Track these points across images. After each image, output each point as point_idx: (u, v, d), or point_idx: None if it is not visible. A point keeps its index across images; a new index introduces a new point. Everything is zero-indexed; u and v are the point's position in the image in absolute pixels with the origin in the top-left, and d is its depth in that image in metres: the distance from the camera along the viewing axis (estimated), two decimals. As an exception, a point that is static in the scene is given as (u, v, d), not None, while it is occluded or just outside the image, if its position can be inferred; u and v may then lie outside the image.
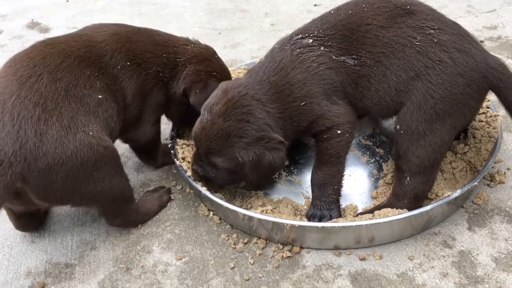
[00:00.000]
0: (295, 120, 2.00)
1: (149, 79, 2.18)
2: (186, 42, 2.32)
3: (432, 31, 1.88)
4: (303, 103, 1.97)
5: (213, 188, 2.11)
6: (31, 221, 2.16)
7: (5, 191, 1.69)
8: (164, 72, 2.22)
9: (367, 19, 1.95)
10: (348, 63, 1.95)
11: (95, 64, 2.02)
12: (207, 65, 2.27)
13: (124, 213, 2.11)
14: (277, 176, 2.30)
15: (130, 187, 2.11)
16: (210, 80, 2.22)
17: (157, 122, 2.37)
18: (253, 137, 1.91)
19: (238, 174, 2.01)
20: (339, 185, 2.06)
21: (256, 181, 2.10)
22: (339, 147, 1.99)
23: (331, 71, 1.96)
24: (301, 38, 2.01)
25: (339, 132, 1.97)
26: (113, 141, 2.11)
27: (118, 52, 2.10)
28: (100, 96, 1.97)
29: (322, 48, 1.97)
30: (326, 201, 2.03)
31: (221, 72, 2.33)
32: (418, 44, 1.87)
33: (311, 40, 1.99)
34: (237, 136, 1.90)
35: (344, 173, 2.07)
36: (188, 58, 2.25)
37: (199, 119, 2.00)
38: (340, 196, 2.07)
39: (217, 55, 2.39)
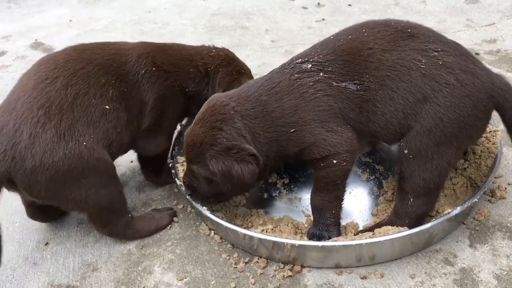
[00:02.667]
0: (283, 144, 1.98)
1: (175, 86, 2.26)
2: (207, 49, 2.44)
3: (436, 53, 1.87)
4: (292, 130, 1.95)
5: (202, 202, 2.11)
6: (40, 212, 2.24)
7: None
8: (190, 86, 2.31)
9: (368, 43, 1.93)
10: (350, 88, 1.92)
11: (115, 71, 2.10)
12: (235, 65, 2.43)
13: (112, 224, 2.13)
14: (277, 194, 2.31)
15: (122, 201, 2.13)
16: (241, 77, 2.37)
17: (171, 136, 2.44)
18: (224, 145, 1.89)
19: (217, 185, 2.00)
20: (338, 209, 2.04)
21: (232, 193, 2.09)
22: (335, 176, 1.96)
23: (329, 98, 1.93)
24: (301, 62, 1.99)
25: (334, 161, 1.94)
26: (118, 153, 2.16)
27: (145, 57, 2.20)
28: (107, 107, 2.02)
29: (321, 73, 1.94)
30: (325, 223, 2.03)
31: (246, 69, 2.48)
32: (423, 67, 1.85)
33: (310, 65, 1.97)
34: (208, 143, 1.90)
35: (344, 197, 2.05)
36: (217, 64, 2.37)
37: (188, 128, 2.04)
38: (339, 218, 2.06)
39: (236, 56, 2.53)
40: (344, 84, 1.92)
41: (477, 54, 3.52)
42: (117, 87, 2.08)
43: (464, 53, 1.92)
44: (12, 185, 1.92)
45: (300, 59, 2.01)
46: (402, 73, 1.87)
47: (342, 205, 2.06)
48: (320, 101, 1.93)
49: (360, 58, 1.92)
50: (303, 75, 1.96)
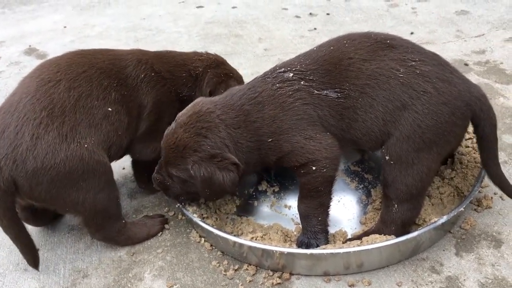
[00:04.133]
0: (263, 153, 2.03)
1: (172, 92, 2.31)
2: (198, 55, 2.50)
3: (413, 63, 1.93)
4: (270, 140, 2.00)
5: (171, 197, 2.18)
6: (33, 216, 2.26)
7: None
8: (184, 90, 2.36)
9: (349, 54, 2.00)
10: (331, 96, 1.97)
11: (116, 75, 2.15)
12: (224, 68, 2.48)
13: (105, 229, 2.14)
14: (267, 202, 2.34)
15: (117, 206, 2.15)
16: (230, 80, 2.41)
17: None
18: (207, 153, 1.94)
19: (192, 187, 2.04)
20: (324, 216, 2.07)
21: (209, 197, 2.14)
22: (316, 182, 1.99)
23: (308, 106, 1.98)
24: (283, 72, 2.04)
25: (314, 168, 1.97)
26: (116, 156, 2.20)
27: (144, 63, 2.25)
28: (110, 109, 2.06)
29: (302, 82, 2.00)
30: (312, 231, 2.06)
31: (235, 73, 2.53)
32: (402, 76, 1.91)
33: (291, 74, 2.02)
34: (192, 149, 1.94)
35: (329, 204, 2.07)
36: (206, 66, 2.42)
37: (168, 128, 2.06)
38: (326, 225, 2.09)
39: (226, 61, 2.58)
40: (325, 92, 1.98)
41: (466, 64, 3.57)
42: (119, 90, 2.13)
43: (442, 63, 2.00)
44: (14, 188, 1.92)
45: (283, 68, 2.06)
46: (381, 81, 1.93)
47: (329, 212, 2.09)
48: (299, 110, 1.98)
49: (341, 67, 1.98)
50: (284, 84, 2.01)
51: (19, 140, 1.86)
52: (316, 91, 1.98)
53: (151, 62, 2.28)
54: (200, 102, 2.06)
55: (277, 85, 2.01)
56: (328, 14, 4.90)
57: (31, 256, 2.06)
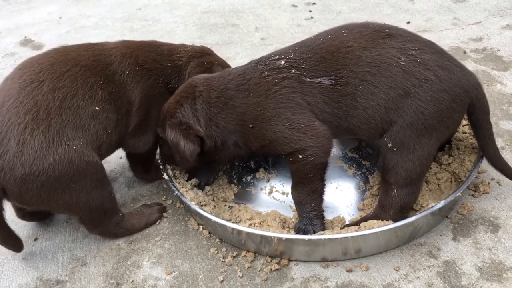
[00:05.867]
0: (245, 137, 2.05)
1: (159, 84, 2.28)
2: (183, 46, 2.47)
3: (413, 51, 1.94)
4: (251, 126, 2.01)
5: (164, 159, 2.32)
6: (30, 213, 2.26)
7: None
8: (171, 81, 2.33)
9: (348, 42, 1.99)
10: (325, 83, 1.96)
11: (102, 73, 2.09)
12: (208, 57, 2.44)
13: (102, 225, 2.14)
14: (265, 190, 2.34)
15: (112, 201, 2.14)
16: (214, 67, 2.37)
17: None
18: (178, 120, 2.06)
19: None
20: (317, 202, 2.06)
21: (179, 163, 2.22)
22: (305, 169, 1.98)
23: (295, 94, 1.97)
24: (277, 59, 2.04)
25: (300, 156, 1.97)
26: (107, 154, 2.17)
27: (128, 57, 2.20)
28: (97, 108, 2.01)
29: (293, 70, 1.99)
30: (307, 217, 2.06)
31: (221, 62, 2.47)
32: (403, 64, 1.91)
33: (283, 62, 2.02)
34: (170, 113, 2.09)
35: (322, 190, 2.07)
36: (189, 56, 2.39)
37: None
38: (321, 211, 2.08)
39: (213, 52, 2.55)
40: (319, 80, 1.97)
41: (465, 52, 3.57)
42: (106, 88, 2.07)
43: (440, 51, 2.01)
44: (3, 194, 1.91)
45: (277, 56, 2.06)
46: (382, 68, 1.93)
47: (322, 197, 2.08)
48: (284, 98, 1.97)
49: (339, 55, 1.98)
50: (273, 72, 2.01)
51: (5, 147, 1.81)
52: (308, 79, 1.98)
53: (135, 55, 2.23)
54: (196, 77, 2.18)
55: (266, 72, 2.02)
56: (324, 3, 4.88)
57: (16, 245, 2.09)
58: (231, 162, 2.52)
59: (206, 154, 2.12)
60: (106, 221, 2.13)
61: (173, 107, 2.09)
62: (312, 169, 1.99)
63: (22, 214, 2.26)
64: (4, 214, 1.97)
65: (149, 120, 2.25)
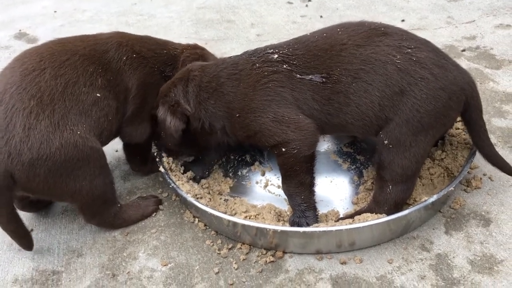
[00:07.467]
0: (231, 125, 2.11)
1: (154, 72, 2.32)
2: (178, 43, 2.55)
3: (409, 50, 1.95)
4: (237, 115, 2.05)
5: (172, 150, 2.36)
6: (30, 204, 2.29)
7: None
8: (166, 70, 2.38)
9: (342, 40, 2.01)
10: (315, 81, 1.98)
11: (99, 61, 2.13)
12: (200, 50, 2.53)
13: (101, 214, 2.15)
14: (260, 183, 2.36)
15: (113, 190, 2.15)
16: (205, 56, 2.47)
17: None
18: (171, 98, 2.17)
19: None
20: (307, 194, 2.08)
21: (166, 141, 2.27)
22: (290, 162, 2.00)
23: (283, 89, 1.99)
24: (271, 53, 2.06)
25: (283, 150, 1.99)
26: (106, 141, 2.19)
27: (125, 45, 2.24)
28: (98, 95, 2.05)
29: (285, 65, 2.01)
30: (299, 209, 2.08)
31: (211, 55, 2.55)
32: (399, 62, 1.92)
33: (276, 56, 2.04)
34: (164, 93, 2.21)
35: (311, 182, 2.08)
36: (183, 48, 2.48)
37: None
38: (312, 203, 2.10)
39: (205, 48, 2.63)
40: (310, 76, 1.99)
41: (463, 50, 3.60)
42: (104, 75, 2.11)
43: (435, 49, 2.03)
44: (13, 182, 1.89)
45: (271, 50, 2.09)
46: (377, 66, 1.94)
47: (312, 190, 2.09)
48: (271, 91, 2.00)
49: (332, 53, 1.99)
50: (264, 65, 2.04)
51: (11, 132, 1.81)
52: (298, 75, 2.00)
53: (131, 43, 2.27)
54: (194, 63, 2.29)
55: (257, 64, 2.05)
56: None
57: (27, 243, 2.08)
58: (226, 155, 2.54)
59: (193, 134, 2.19)
60: (106, 210, 2.14)
61: (168, 87, 2.20)
62: (296, 162, 2.01)
63: (23, 204, 2.26)
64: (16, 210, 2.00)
65: (146, 108, 2.27)
